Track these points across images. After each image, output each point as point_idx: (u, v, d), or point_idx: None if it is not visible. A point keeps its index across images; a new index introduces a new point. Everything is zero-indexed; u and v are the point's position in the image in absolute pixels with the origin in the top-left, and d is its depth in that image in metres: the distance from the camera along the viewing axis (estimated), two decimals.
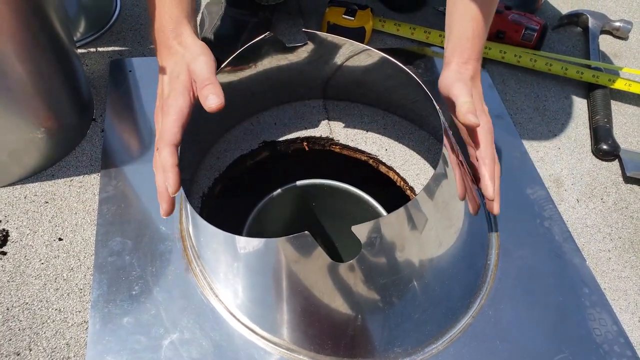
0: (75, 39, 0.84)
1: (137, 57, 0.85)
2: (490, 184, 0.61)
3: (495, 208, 0.62)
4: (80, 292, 0.59)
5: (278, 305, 0.54)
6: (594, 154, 0.86)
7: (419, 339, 0.57)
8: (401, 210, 0.49)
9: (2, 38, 0.55)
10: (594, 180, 0.82)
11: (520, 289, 0.64)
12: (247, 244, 0.52)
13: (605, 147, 0.84)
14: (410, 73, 0.61)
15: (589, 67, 0.95)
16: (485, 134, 0.63)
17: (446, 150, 0.55)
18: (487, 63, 0.95)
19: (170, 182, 0.49)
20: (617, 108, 0.94)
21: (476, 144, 0.63)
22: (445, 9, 1.02)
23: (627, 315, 0.66)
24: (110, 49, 0.86)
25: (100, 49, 0.86)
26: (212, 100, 0.49)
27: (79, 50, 0.84)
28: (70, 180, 0.68)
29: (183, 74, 0.53)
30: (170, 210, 0.51)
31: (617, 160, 0.85)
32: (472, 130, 0.63)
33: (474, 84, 0.65)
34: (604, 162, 0.85)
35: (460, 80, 0.62)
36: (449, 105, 0.64)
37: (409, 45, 0.97)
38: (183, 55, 0.54)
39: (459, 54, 0.66)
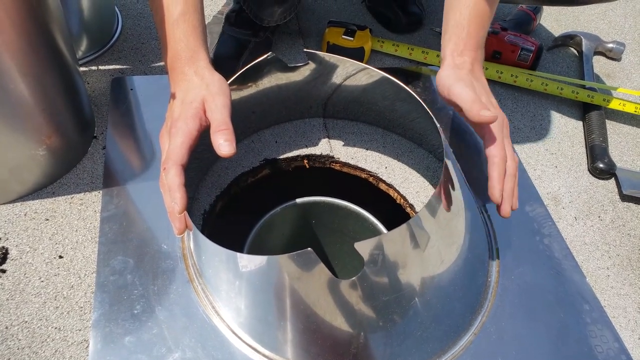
0: (77, 57, 0.85)
1: (139, 75, 0.85)
2: (496, 186, 0.57)
3: (503, 210, 0.58)
4: (81, 311, 0.58)
5: (280, 323, 0.54)
6: (590, 172, 0.87)
7: (421, 356, 0.57)
8: (404, 227, 0.49)
9: (6, 56, 0.56)
10: (591, 198, 0.82)
11: (521, 306, 0.64)
12: (249, 262, 0.52)
13: (601, 165, 0.85)
14: (411, 91, 0.62)
15: (583, 87, 0.97)
16: (497, 130, 0.59)
17: (447, 166, 0.56)
18: None
19: (177, 202, 0.49)
20: (612, 127, 0.95)
21: (486, 141, 0.59)
22: (441, 30, 1.04)
23: (627, 332, 0.66)
24: (111, 67, 0.87)
25: (102, 67, 0.86)
26: (225, 148, 0.50)
27: (81, 68, 0.85)
28: (71, 198, 0.68)
29: (197, 101, 0.53)
30: (183, 229, 0.52)
31: (613, 178, 0.86)
32: (482, 128, 0.59)
33: (474, 76, 0.60)
34: (600, 180, 0.86)
35: (459, 80, 0.58)
36: (454, 107, 0.60)
37: (407, 65, 0.98)
38: (199, 85, 0.55)
39: (453, 45, 0.61)
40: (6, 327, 0.56)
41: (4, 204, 0.66)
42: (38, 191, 0.68)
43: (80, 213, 0.67)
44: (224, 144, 0.50)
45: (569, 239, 0.75)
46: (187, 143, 0.51)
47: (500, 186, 0.57)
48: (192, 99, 0.54)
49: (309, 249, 0.46)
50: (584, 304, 0.66)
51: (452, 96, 0.59)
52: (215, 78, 0.56)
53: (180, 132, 0.51)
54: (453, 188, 0.58)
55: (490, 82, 0.96)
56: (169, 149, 0.52)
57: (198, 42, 0.58)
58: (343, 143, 0.75)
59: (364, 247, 0.48)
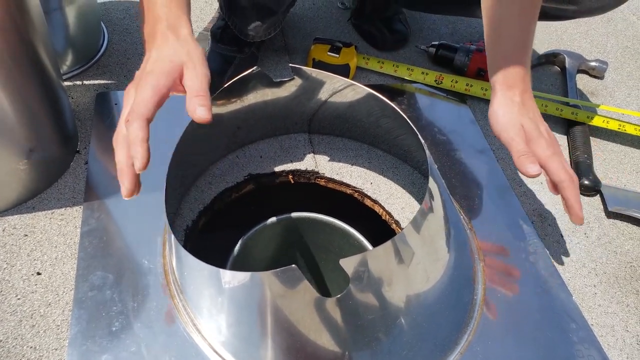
0: (62, 71, 0.85)
1: (124, 90, 0.85)
2: (577, 207, 0.63)
3: (580, 219, 0.64)
4: (58, 329, 0.56)
5: (263, 342, 0.53)
6: None
7: None
8: (389, 243, 0.49)
9: None
10: None
11: (507, 325, 0.64)
12: (232, 278, 0.51)
13: (586, 182, 0.85)
14: (396, 108, 0.62)
15: (567, 104, 0.98)
16: (554, 158, 0.64)
17: (432, 185, 0.56)
18: (468, 99, 0.97)
19: (139, 156, 0.44)
20: (596, 144, 0.96)
21: (548, 171, 0.64)
22: (426, 47, 1.05)
23: (615, 351, 0.66)
24: (96, 82, 0.86)
25: (86, 82, 0.86)
26: (201, 112, 0.46)
27: (66, 83, 0.84)
28: (52, 213, 0.67)
29: (175, 62, 0.49)
30: (133, 190, 0.47)
31: (598, 195, 0.87)
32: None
33: (525, 109, 0.66)
34: (585, 197, 0.86)
35: (509, 122, 0.65)
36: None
37: (392, 82, 0.99)
38: (180, 50, 0.51)
39: (502, 77, 0.67)
40: None
41: None
42: (18, 206, 0.67)
43: (60, 229, 0.65)
44: (200, 108, 0.46)
45: (556, 256, 0.75)
46: (155, 97, 0.47)
47: (579, 206, 0.64)
48: (171, 58, 0.50)
49: (293, 265, 0.45)
50: (571, 322, 0.66)
51: (502, 140, 0.66)
52: (199, 50, 0.52)
53: (149, 86, 0.47)
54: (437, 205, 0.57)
55: (475, 99, 0.97)
56: (134, 102, 0.47)
57: (181, 11, 0.54)
58: (328, 158, 0.75)
59: (348, 264, 0.47)
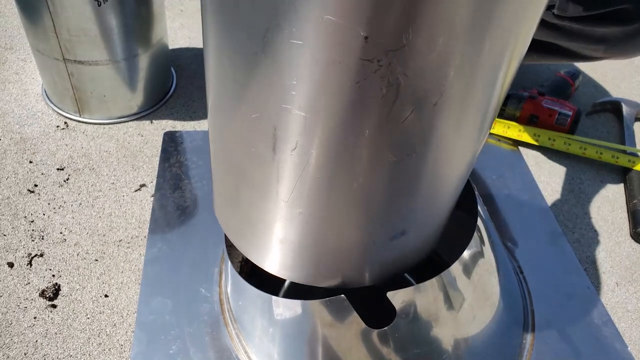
0: (133, 111, 0.92)
1: (189, 130, 0.92)
2: None
3: None
4: (121, 348, 0.60)
5: None
6: (632, 237, 0.85)
7: None
8: (435, 279, 0.50)
9: None
10: (633, 264, 0.80)
11: None
12: (283, 307, 0.54)
13: None
14: None
15: (624, 152, 0.97)
16: None
17: (481, 228, 0.57)
18: (520, 146, 0.98)
19: None
20: None
21: None
22: None
23: None
24: (164, 121, 0.93)
25: (155, 121, 0.93)
26: None
27: (137, 122, 0.92)
28: (120, 241, 0.72)
29: None
30: None
31: None
32: None
33: None
34: None
35: None
36: None
37: None
38: None
39: None
40: None
41: (58, 243, 0.71)
42: (90, 233, 0.73)
43: (126, 255, 0.71)
44: None
45: (610, 305, 0.73)
46: None
47: None
48: None
49: (342, 295, 0.47)
50: None
51: None
52: None
53: None
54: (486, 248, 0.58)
55: (527, 145, 0.97)
56: None
57: None
58: None
59: (396, 297, 0.49)
